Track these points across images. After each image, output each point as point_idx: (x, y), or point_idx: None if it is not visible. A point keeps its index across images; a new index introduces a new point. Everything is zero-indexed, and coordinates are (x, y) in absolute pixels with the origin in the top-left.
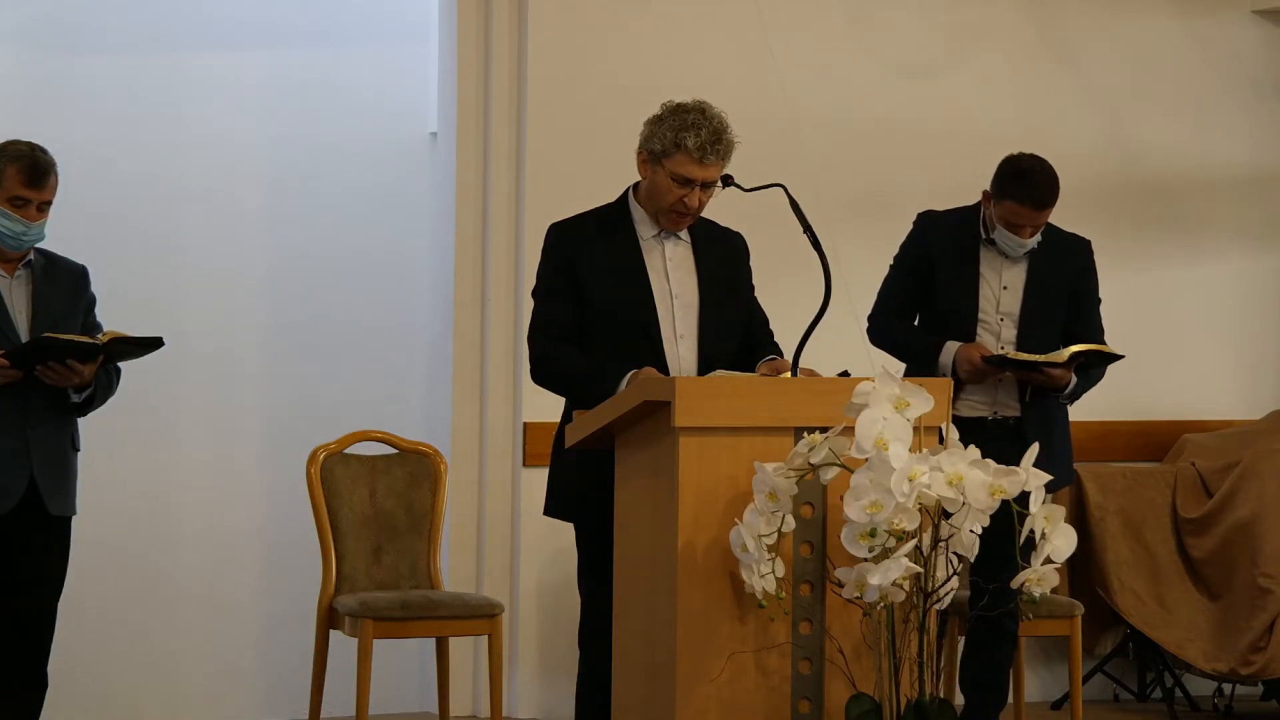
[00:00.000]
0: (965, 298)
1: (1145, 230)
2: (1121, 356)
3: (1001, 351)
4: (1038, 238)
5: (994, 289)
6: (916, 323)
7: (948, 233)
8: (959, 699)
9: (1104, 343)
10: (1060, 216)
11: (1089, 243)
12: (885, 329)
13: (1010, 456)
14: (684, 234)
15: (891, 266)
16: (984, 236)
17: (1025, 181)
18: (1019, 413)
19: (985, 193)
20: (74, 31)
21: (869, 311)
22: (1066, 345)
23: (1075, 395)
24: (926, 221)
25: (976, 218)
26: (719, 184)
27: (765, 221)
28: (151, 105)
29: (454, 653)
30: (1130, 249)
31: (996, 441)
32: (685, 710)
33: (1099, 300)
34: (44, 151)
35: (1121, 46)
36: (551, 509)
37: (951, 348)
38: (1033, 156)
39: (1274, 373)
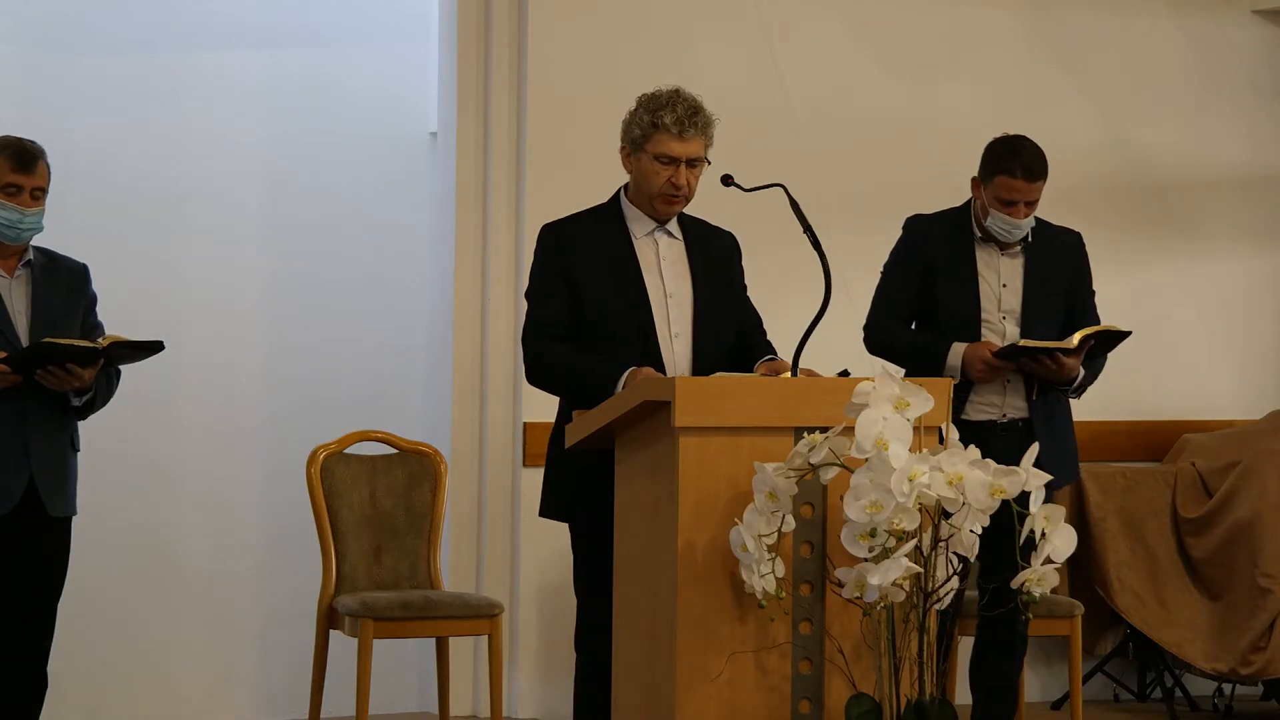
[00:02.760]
0: (967, 298)
1: (1145, 230)
2: (1129, 333)
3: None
4: (1031, 221)
5: (994, 287)
6: (915, 327)
7: (941, 234)
8: (959, 701)
9: (1127, 336)
10: (1061, 216)
11: (1080, 235)
12: (887, 336)
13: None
14: (676, 232)
15: (884, 274)
16: (977, 234)
17: (1014, 154)
18: (1027, 413)
19: (974, 180)
20: (74, 31)
21: (864, 320)
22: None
23: (1082, 388)
24: (917, 226)
25: (967, 217)
26: (720, 183)
27: (765, 221)
28: (151, 105)
29: (454, 653)
30: (1130, 248)
31: (1007, 444)
32: (685, 710)
33: (1093, 292)
34: (31, 141)
35: (1121, 46)
36: (547, 510)
37: (959, 349)
38: (1017, 135)
39: (1274, 373)
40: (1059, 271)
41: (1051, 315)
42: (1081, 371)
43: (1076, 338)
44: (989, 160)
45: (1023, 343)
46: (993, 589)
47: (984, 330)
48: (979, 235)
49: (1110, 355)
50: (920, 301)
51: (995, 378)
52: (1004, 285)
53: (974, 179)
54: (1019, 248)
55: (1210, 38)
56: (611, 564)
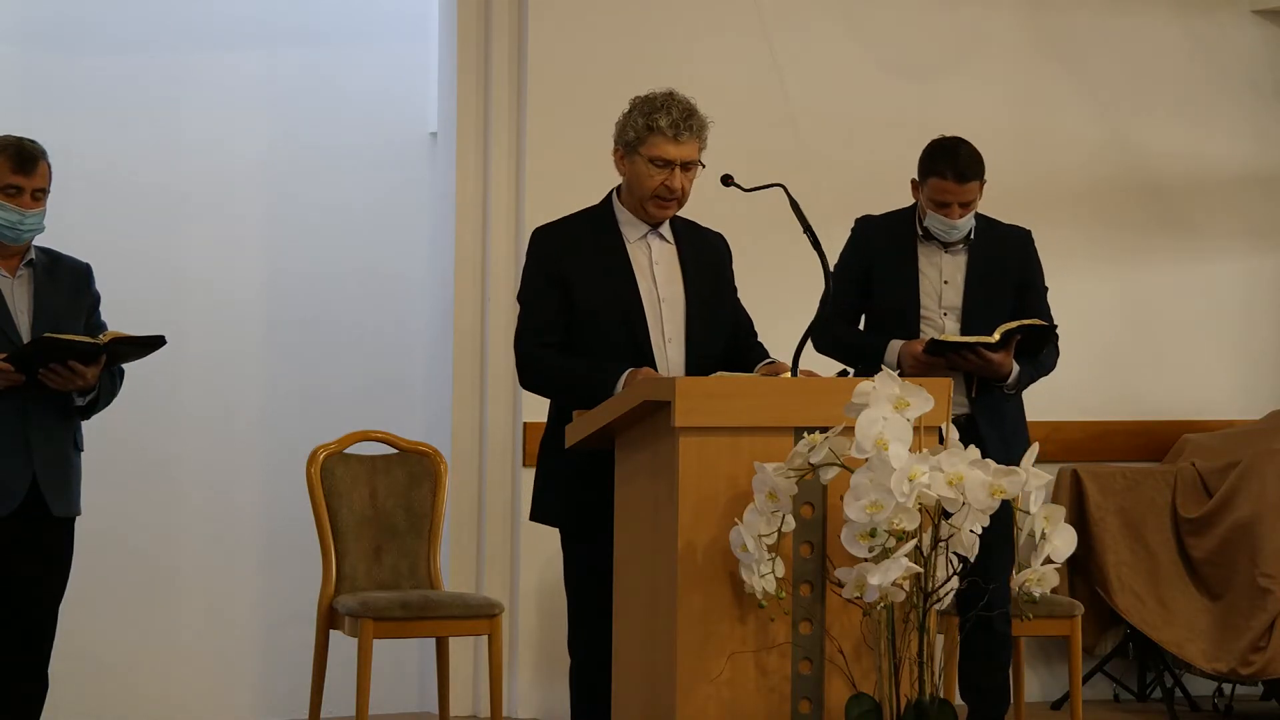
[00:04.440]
0: (905, 294)
1: (1145, 230)
2: (1053, 329)
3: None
4: (970, 220)
5: (934, 283)
6: (862, 326)
7: (885, 234)
8: (959, 702)
9: (1053, 332)
10: (1061, 216)
11: (1029, 232)
12: (829, 334)
13: None
14: (668, 235)
15: (832, 274)
16: (919, 232)
17: (946, 156)
18: (968, 409)
19: (913, 181)
20: (74, 31)
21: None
22: None
23: (1021, 384)
24: (863, 226)
25: (912, 216)
26: (720, 182)
27: (765, 221)
28: (151, 105)
29: (454, 653)
30: (1130, 249)
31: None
32: (685, 710)
33: (1045, 289)
34: (32, 141)
35: (1121, 46)
36: (538, 514)
37: (895, 346)
38: (954, 136)
39: (1274, 373)
40: (1004, 268)
41: (995, 313)
42: (1016, 368)
43: (998, 333)
44: (924, 162)
45: (943, 337)
46: (965, 593)
47: (923, 326)
48: (921, 234)
49: (1110, 355)
50: (864, 300)
51: (929, 374)
52: (945, 282)
53: (913, 180)
54: (962, 245)
55: (1210, 38)
56: (603, 567)
